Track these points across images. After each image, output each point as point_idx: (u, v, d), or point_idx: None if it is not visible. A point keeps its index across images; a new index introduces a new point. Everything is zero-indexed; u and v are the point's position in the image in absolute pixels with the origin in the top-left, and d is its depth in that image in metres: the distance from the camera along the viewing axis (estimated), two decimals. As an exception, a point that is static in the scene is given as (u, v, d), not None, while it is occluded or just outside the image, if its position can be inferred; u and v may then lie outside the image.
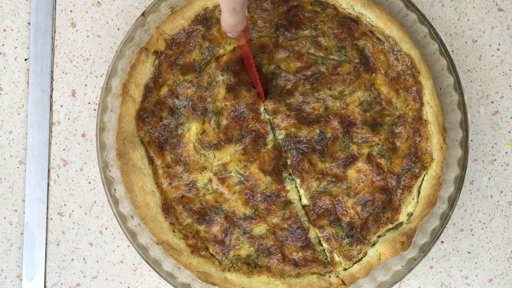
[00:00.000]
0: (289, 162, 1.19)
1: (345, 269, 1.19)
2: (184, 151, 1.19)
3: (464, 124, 1.19)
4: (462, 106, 1.19)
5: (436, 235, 1.19)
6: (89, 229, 1.27)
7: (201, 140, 1.18)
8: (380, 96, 1.19)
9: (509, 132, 1.28)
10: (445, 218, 1.19)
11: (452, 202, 1.19)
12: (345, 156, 1.19)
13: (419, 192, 1.18)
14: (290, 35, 1.19)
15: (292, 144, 1.19)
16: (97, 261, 1.28)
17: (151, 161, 1.19)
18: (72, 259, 1.27)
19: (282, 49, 1.19)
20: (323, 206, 1.19)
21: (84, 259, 1.27)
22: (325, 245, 1.19)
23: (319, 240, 1.20)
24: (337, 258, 1.19)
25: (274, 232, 1.19)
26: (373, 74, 1.19)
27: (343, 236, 1.18)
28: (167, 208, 1.19)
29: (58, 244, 1.27)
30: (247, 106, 1.18)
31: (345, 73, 1.19)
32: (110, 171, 1.19)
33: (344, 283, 1.18)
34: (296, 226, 1.19)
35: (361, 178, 1.19)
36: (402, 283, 1.27)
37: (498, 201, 1.28)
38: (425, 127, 1.18)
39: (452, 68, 1.19)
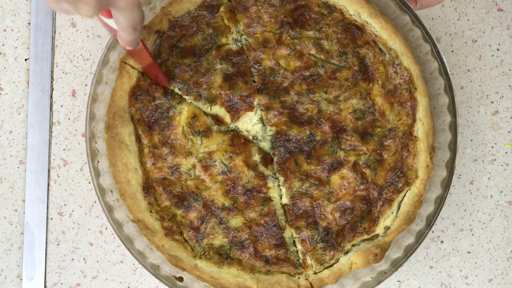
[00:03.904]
0: (275, 159, 1.19)
1: (315, 273, 1.19)
2: (172, 134, 1.19)
3: (453, 146, 1.19)
4: (453, 128, 1.19)
5: (409, 251, 1.19)
6: (89, 229, 1.27)
7: (191, 124, 1.18)
8: (374, 107, 1.19)
9: (509, 132, 1.28)
10: (420, 236, 1.19)
11: (430, 221, 1.19)
12: (331, 161, 1.19)
13: (399, 207, 1.19)
14: (294, 34, 1.19)
15: (281, 141, 1.19)
16: (97, 261, 1.28)
17: (138, 139, 1.19)
18: (72, 259, 1.27)
19: (284, 46, 1.19)
20: (303, 208, 1.19)
21: (84, 259, 1.28)
22: (299, 247, 1.19)
23: (293, 241, 1.20)
24: (309, 261, 1.19)
25: (250, 227, 1.19)
26: (370, 84, 1.19)
27: (318, 240, 1.19)
28: (147, 187, 1.19)
29: (58, 244, 1.27)
30: (241, 98, 1.18)
31: (343, 79, 1.19)
32: (96, 142, 1.19)
33: (312, 287, 1.18)
34: (272, 224, 1.19)
35: (344, 185, 1.19)
36: (403, 282, 1.27)
37: (498, 201, 1.28)
38: (414, 143, 1.18)
39: (449, 88, 1.19)
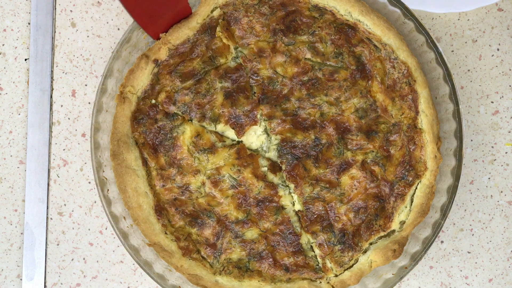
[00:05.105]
0: (283, 167, 1.19)
1: (336, 276, 1.19)
2: (178, 154, 1.19)
3: (459, 134, 1.19)
4: (457, 115, 1.19)
5: (427, 244, 1.19)
6: (89, 229, 1.27)
7: (195, 143, 1.18)
8: (375, 104, 1.19)
9: (509, 132, 1.28)
10: (437, 227, 1.19)
11: (445, 211, 1.19)
12: (339, 163, 1.19)
13: (412, 201, 1.19)
14: (288, 40, 1.19)
15: (288, 149, 1.19)
16: (97, 261, 1.28)
17: (145, 163, 1.19)
18: (72, 259, 1.27)
19: (279, 54, 1.19)
20: (316, 212, 1.19)
21: (84, 259, 1.27)
22: (317, 251, 1.19)
23: (311, 246, 1.20)
24: (328, 264, 1.19)
25: (266, 237, 1.19)
26: (369, 81, 1.19)
27: (335, 243, 1.19)
28: (159, 210, 1.19)
29: (58, 244, 1.27)
30: (244, 113, 1.18)
31: (342, 80, 1.19)
32: (103, 171, 1.19)
33: (334, 289, 1.18)
34: (288, 232, 1.19)
35: (354, 185, 1.19)
36: (402, 283, 1.27)
37: (498, 201, 1.28)
38: (420, 135, 1.18)
39: (448, 77, 1.19)
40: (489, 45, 1.28)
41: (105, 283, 1.27)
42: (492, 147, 1.28)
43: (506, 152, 1.28)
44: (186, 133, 1.18)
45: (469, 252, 1.28)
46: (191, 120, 1.19)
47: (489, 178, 1.28)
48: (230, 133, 1.20)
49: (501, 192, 1.28)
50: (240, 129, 1.19)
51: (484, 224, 1.28)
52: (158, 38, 1.15)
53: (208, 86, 1.18)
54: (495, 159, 1.28)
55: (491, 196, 1.28)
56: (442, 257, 1.28)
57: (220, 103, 1.18)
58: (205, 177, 1.19)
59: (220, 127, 1.19)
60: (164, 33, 1.16)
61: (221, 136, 1.19)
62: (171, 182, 1.19)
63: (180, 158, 1.19)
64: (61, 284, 1.28)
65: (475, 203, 1.28)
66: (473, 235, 1.28)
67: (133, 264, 1.27)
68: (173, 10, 1.13)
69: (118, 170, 1.18)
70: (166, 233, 1.18)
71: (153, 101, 1.18)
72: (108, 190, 1.19)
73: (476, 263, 1.28)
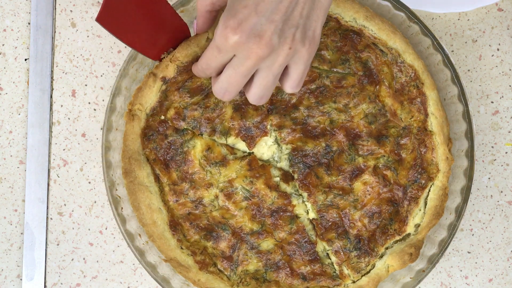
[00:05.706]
0: (296, 176, 1.19)
1: (353, 282, 1.19)
2: (189, 168, 1.19)
3: (470, 134, 1.19)
4: (467, 116, 1.19)
5: (444, 246, 1.19)
6: (89, 229, 1.27)
7: (206, 157, 1.18)
8: (384, 108, 1.19)
9: (509, 132, 1.28)
10: (452, 229, 1.19)
11: (459, 212, 1.19)
12: (351, 169, 1.19)
13: (426, 203, 1.19)
14: (293, 49, 1.18)
15: (299, 158, 1.19)
16: (97, 261, 1.28)
17: (157, 179, 1.19)
18: (72, 259, 1.27)
19: (285, 64, 1.19)
20: (331, 219, 1.19)
21: (84, 259, 1.28)
22: (333, 258, 1.19)
23: (327, 253, 1.20)
24: (345, 271, 1.19)
25: (282, 247, 1.19)
26: (377, 86, 1.19)
27: (351, 249, 1.19)
28: (174, 225, 1.19)
29: (58, 244, 1.27)
30: (254, 124, 1.18)
31: (350, 86, 1.19)
32: (116, 189, 1.19)
33: (353, 296, 1.18)
34: (303, 240, 1.19)
35: (367, 190, 1.19)
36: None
37: (498, 201, 1.28)
38: (430, 138, 1.18)
39: (456, 78, 1.19)
40: (489, 45, 1.28)
41: (105, 283, 1.28)
42: (492, 147, 1.28)
43: (506, 152, 1.28)
44: (197, 147, 1.18)
45: (469, 252, 1.28)
46: (202, 135, 1.19)
47: (489, 178, 1.28)
48: (241, 145, 1.20)
49: (501, 192, 1.28)
50: (251, 141, 1.19)
51: (484, 224, 1.28)
52: (160, 59, 1.15)
53: (216, 100, 1.18)
54: (495, 159, 1.28)
55: (491, 196, 1.28)
56: (442, 257, 1.27)
57: (230, 116, 1.18)
58: (218, 190, 1.19)
59: (231, 140, 1.19)
60: (166, 53, 1.15)
61: (232, 149, 1.19)
62: (184, 196, 1.19)
63: (192, 172, 1.19)
64: (61, 284, 1.28)
65: (475, 203, 1.28)
66: (473, 235, 1.28)
67: (133, 264, 1.27)
68: (171, 31, 1.12)
69: (131, 187, 1.18)
70: (182, 248, 1.19)
71: (163, 117, 1.18)
72: (122, 208, 1.19)
73: (476, 263, 1.28)
